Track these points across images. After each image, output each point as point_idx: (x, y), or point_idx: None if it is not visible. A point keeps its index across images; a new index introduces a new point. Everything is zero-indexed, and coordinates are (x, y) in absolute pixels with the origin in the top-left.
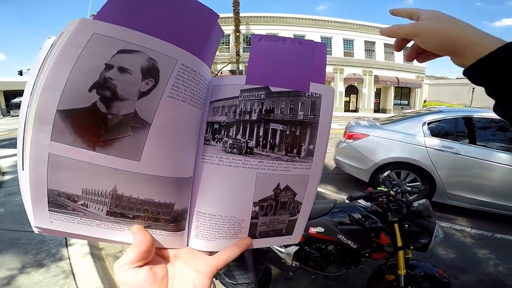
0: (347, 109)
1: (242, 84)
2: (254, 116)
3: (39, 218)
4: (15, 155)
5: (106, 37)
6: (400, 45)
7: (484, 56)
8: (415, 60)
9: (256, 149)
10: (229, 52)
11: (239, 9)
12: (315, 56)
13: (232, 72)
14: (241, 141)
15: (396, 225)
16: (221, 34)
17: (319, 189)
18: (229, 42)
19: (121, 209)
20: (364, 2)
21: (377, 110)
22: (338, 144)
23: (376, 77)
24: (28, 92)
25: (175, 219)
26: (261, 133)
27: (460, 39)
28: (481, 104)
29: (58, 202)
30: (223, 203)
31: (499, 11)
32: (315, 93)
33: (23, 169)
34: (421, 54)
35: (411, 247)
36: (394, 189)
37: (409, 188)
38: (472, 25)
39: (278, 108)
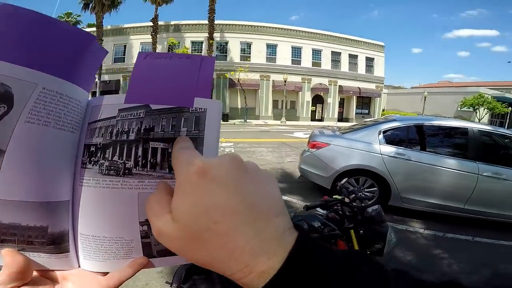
0: (313, 119)
1: (121, 104)
2: (132, 136)
3: None
4: None
5: None
6: None
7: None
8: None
9: (135, 169)
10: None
11: (214, 17)
12: (202, 69)
13: None
14: (118, 163)
15: (352, 231)
16: (104, 53)
17: (285, 197)
18: (201, 50)
19: None
20: (333, 13)
21: (340, 119)
22: (302, 153)
23: (340, 87)
24: None
25: (52, 241)
26: (140, 153)
27: (219, 268)
28: (432, 112)
29: None
30: (105, 225)
31: (452, 22)
32: (199, 108)
33: None
34: None
35: (368, 252)
36: (350, 196)
37: (364, 195)
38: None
39: (159, 126)
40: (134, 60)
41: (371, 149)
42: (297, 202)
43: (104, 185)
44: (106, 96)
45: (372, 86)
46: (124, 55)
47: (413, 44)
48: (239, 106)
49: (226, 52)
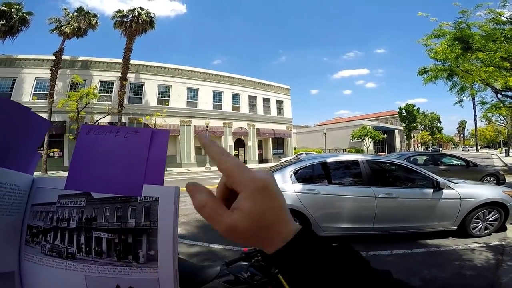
0: None
1: (61, 189)
2: (73, 224)
3: None
4: None
5: None
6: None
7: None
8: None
9: (78, 254)
10: (110, 102)
11: (130, 56)
12: (152, 149)
13: (112, 124)
14: (60, 247)
15: (279, 276)
16: (47, 125)
17: (217, 246)
18: (112, 90)
19: None
20: (251, 58)
21: (261, 160)
22: None
23: (258, 130)
24: None
25: None
26: (82, 241)
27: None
28: (332, 145)
29: None
30: None
31: (337, 65)
32: (149, 197)
33: None
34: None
35: None
36: None
37: None
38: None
39: (102, 217)
40: (23, 98)
41: (286, 189)
42: (230, 248)
43: (47, 264)
44: (48, 179)
45: (283, 127)
46: (11, 90)
47: (311, 86)
48: None
49: (141, 95)
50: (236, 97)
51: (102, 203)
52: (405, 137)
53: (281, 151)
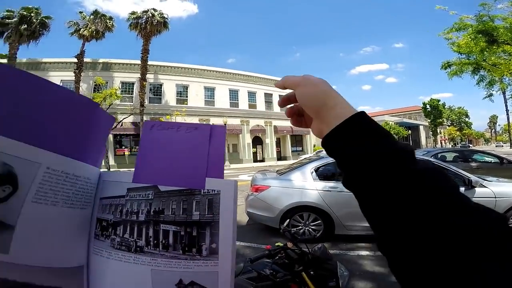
0: (255, 160)
1: (129, 182)
2: (142, 217)
3: None
4: None
5: None
6: (283, 103)
7: (338, 125)
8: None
9: (146, 248)
10: (132, 102)
11: (147, 57)
12: (212, 144)
13: (135, 124)
14: (129, 240)
15: (303, 274)
16: (112, 121)
17: (237, 243)
18: (133, 91)
19: None
20: (265, 55)
21: (279, 158)
22: (247, 197)
23: (275, 127)
24: None
25: None
26: (151, 234)
27: (329, 97)
28: None
29: None
30: None
31: (354, 60)
32: (212, 190)
33: None
34: (296, 115)
35: None
36: (294, 240)
37: (311, 228)
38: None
39: (169, 209)
40: None
41: (308, 186)
42: (250, 245)
43: (116, 257)
44: (115, 173)
45: None
46: None
47: (329, 82)
48: None
49: (160, 95)
50: (252, 95)
51: (168, 195)
52: (431, 133)
53: (300, 148)
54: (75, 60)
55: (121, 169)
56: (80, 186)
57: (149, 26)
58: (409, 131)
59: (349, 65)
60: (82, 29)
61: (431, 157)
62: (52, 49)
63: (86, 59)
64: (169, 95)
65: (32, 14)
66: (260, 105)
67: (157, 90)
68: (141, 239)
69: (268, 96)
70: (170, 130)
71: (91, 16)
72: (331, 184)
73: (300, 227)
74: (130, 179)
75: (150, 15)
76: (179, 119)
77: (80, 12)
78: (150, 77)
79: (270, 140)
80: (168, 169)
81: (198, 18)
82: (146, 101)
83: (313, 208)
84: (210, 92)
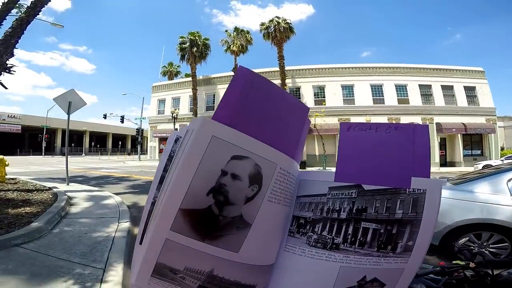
0: None
1: (331, 181)
2: (343, 215)
3: (141, 279)
4: (86, 190)
5: (222, 141)
6: None
7: None
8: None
9: (342, 245)
10: None
11: (284, 63)
12: (416, 143)
13: None
14: (327, 237)
15: None
16: (309, 124)
17: None
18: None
19: (212, 285)
20: (408, 42)
21: (444, 163)
22: None
23: (438, 124)
24: (154, 188)
25: None
26: (350, 231)
27: None
28: None
29: (161, 272)
30: (298, 287)
31: None
32: (417, 189)
33: (140, 244)
34: None
35: None
36: (474, 260)
37: (490, 251)
38: None
39: (372, 207)
40: None
41: (497, 201)
42: None
43: (309, 255)
44: (313, 172)
45: (481, 119)
46: (213, 103)
47: None
48: (317, 153)
49: (299, 98)
50: (401, 88)
51: (372, 194)
52: None
53: (478, 151)
54: (232, 73)
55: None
56: (294, 185)
57: (278, 33)
58: None
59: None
60: (231, 45)
61: None
62: (215, 65)
63: None
64: (307, 97)
65: (196, 38)
66: (414, 99)
67: (296, 93)
68: (339, 237)
69: (424, 88)
70: (368, 130)
71: (234, 33)
72: None
73: (473, 247)
74: (330, 178)
75: (276, 23)
76: (318, 120)
77: (226, 31)
78: (288, 81)
79: (430, 141)
80: (371, 169)
81: (317, 17)
82: None
83: (499, 227)
84: (348, 90)
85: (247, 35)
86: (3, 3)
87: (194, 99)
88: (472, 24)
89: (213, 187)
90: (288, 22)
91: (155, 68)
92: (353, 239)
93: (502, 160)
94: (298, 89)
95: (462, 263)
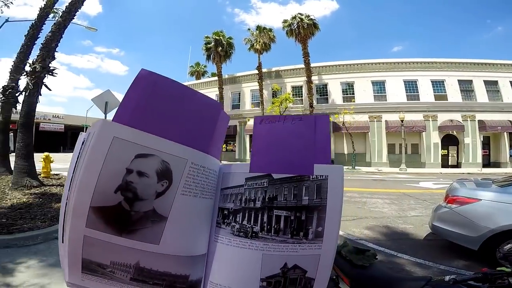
0: (445, 165)
1: (247, 173)
2: (258, 204)
3: (73, 277)
4: None
5: (124, 141)
6: None
7: None
8: None
9: (261, 233)
10: (302, 104)
11: (309, 60)
12: (317, 132)
13: None
14: (247, 226)
15: None
16: (228, 119)
17: (407, 258)
18: (302, 94)
19: (143, 277)
20: (443, 36)
21: (487, 164)
22: (437, 209)
23: (481, 122)
24: (67, 187)
25: (190, 287)
26: (265, 219)
27: None
28: None
29: (90, 267)
30: (232, 277)
31: None
32: (320, 176)
33: (62, 242)
34: None
35: None
36: None
37: None
38: None
39: (281, 195)
40: (247, 107)
41: None
42: (423, 263)
43: (234, 244)
44: (233, 165)
45: None
46: (239, 101)
47: None
48: (346, 152)
49: (326, 95)
50: (438, 84)
51: (281, 183)
52: None
53: None
54: (256, 71)
55: None
56: (211, 178)
57: (302, 30)
58: None
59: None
60: (254, 43)
61: None
62: (239, 64)
63: (263, 70)
64: (335, 94)
65: (221, 37)
66: (453, 95)
67: (322, 90)
68: (257, 225)
69: (465, 84)
70: (277, 122)
71: (257, 31)
72: None
73: None
74: (246, 170)
75: (299, 19)
76: (347, 118)
77: (248, 29)
78: (314, 78)
79: (471, 140)
80: (279, 158)
81: (342, 13)
82: (314, 102)
83: None
84: (379, 86)
85: (269, 33)
86: (40, 8)
87: (220, 98)
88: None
89: (120, 185)
90: (311, 19)
91: (183, 68)
92: (268, 227)
93: None
94: (325, 85)
95: (508, 269)
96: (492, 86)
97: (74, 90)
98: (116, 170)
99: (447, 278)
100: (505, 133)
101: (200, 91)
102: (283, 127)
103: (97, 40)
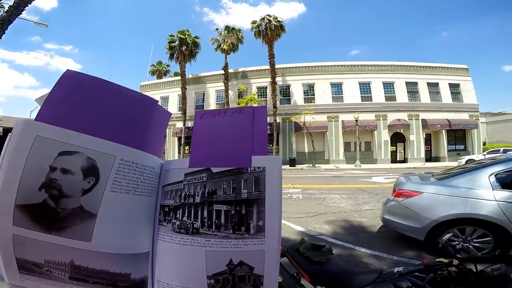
0: (394, 160)
1: (186, 168)
2: (198, 199)
3: (12, 277)
4: None
5: (47, 139)
6: None
7: None
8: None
9: (202, 229)
10: (266, 105)
11: (274, 61)
12: (255, 123)
13: (270, 124)
14: (187, 223)
15: None
16: (169, 116)
17: (363, 250)
18: (267, 95)
19: (82, 276)
20: (397, 40)
21: (429, 158)
22: (386, 203)
23: (424, 121)
24: None
25: (134, 285)
26: (205, 215)
27: None
28: None
29: (26, 267)
30: (178, 275)
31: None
32: (257, 168)
33: None
34: None
35: None
36: (458, 256)
37: (473, 245)
38: None
39: (221, 189)
40: (211, 107)
41: (480, 196)
42: (379, 254)
43: (176, 241)
44: (173, 161)
45: (464, 116)
46: (203, 102)
47: (502, 61)
48: (307, 151)
49: (289, 95)
50: (388, 86)
51: (220, 176)
52: None
53: (461, 146)
54: (223, 72)
55: None
56: (147, 175)
57: (269, 31)
58: None
59: None
60: (221, 44)
61: None
62: (205, 64)
63: (229, 70)
64: (297, 95)
65: (186, 36)
66: (401, 96)
67: (286, 91)
68: (197, 221)
69: (411, 85)
70: (218, 116)
71: (225, 31)
72: None
73: (457, 242)
74: (186, 166)
75: (267, 21)
76: (308, 118)
77: (217, 29)
78: (278, 79)
79: (416, 137)
80: (218, 152)
81: (309, 16)
82: (278, 103)
83: (482, 222)
84: (337, 87)
85: (238, 33)
86: None
87: (183, 98)
88: (459, 22)
89: (44, 182)
90: (279, 21)
91: (143, 67)
92: (209, 222)
93: (484, 155)
94: (288, 87)
95: (446, 260)
96: (433, 87)
97: (15, 89)
98: (39, 168)
99: (395, 270)
100: (443, 130)
101: (161, 90)
102: (224, 120)
103: (47, 37)
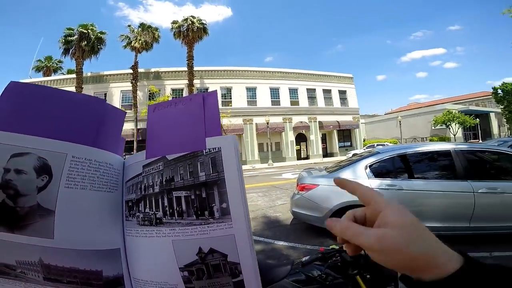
0: (299, 158)
1: (144, 160)
2: (157, 189)
3: None
4: None
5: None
6: (353, 251)
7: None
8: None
9: (165, 218)
10: None
11: (193, 63)
12: (206, 108)
13: None
14: (150, 214)
15: (358, 278)
16: (123, 115)
17: (282, 243)
18: (182, 96)
19: (54, 275)
20: (302, 50)
21: (325, 155)
22: (293, 196)
23: (320, 123)
24: None
25: (108, 284)
26: (166, 203)
27: (424, 259)
28: (409, 135)
29: (0, 270)
30: (150, 270)
31: (404, 47)
32: (213, 148)
33: None
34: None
35: None
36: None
37: None
38: (434, 237)
39: (178, 175)
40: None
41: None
42: (294, 245)
43: (142, 234)
44: (133, 155)
45: (349, 118)
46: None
47: (376, 71)
48: None
49: None
50: (293, 92)
51: (175, 162)
52: (505, 120)
53: (348, 143)
54: (131, 71)
55: None
56: (103, 171)
57: (190, 33)
58: (477, 119)
59: (399, 53)
60: (133, 41)
61: (508, 147)
62: (111, 62)
63: (140, 70)
64: None
65: (89, 31)
66: (303, 101)
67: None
68: (159, 211)
69: (311, 92)
70: (170, 107)
71: (139, 29)
72: (388, 181)
73: None
74: (143, 158)
75: (190, 22)
76: (225, 121)
77: (129, 26)
78: (196, 82)
79: (315, 137)
80: (173, 140)
81: (234, 20)
82: None
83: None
84: (252, 92)
85: (155, 32)
86: None
87: None
88: (351, 36)
89: (0, 183)
90: (202, 23)
91: (26, 62)
92: (171, 210)
93: (365, 149)
94: (207, 90)
95: (337, 247)
96: (327, 93)
97: None
98: None
99: (303, 260)
100: (335, 130)
101: None
102: (176, 110)
103: None
